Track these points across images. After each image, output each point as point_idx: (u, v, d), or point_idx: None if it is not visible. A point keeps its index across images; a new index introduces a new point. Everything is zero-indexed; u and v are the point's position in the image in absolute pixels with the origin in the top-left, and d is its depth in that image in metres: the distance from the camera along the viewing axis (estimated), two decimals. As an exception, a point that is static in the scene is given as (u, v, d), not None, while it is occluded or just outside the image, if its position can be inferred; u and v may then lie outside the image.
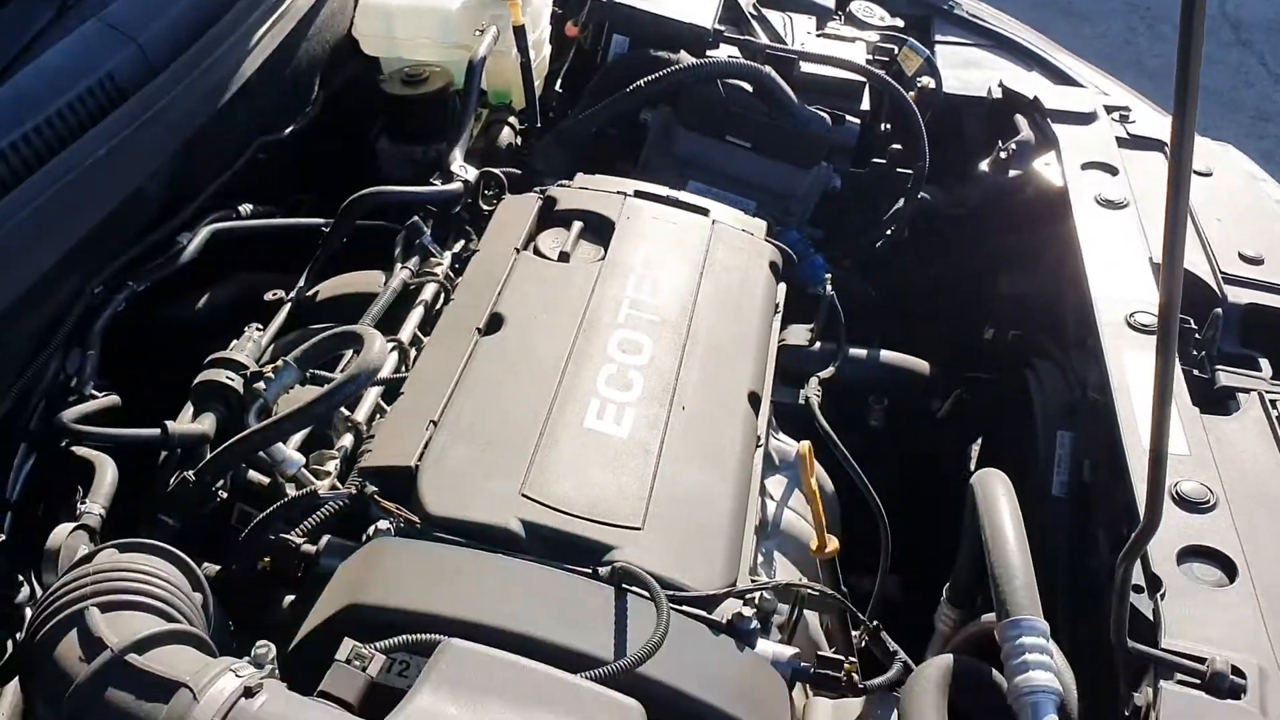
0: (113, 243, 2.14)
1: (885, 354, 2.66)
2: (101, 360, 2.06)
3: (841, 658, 1.68)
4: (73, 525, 1.73)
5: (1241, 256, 2.27)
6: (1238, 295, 2.18)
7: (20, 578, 1.79)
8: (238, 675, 1.30)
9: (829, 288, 2.54)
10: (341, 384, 1.77)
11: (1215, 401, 2.01)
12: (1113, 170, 2.56)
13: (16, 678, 1.61)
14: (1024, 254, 2.75)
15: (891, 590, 2.31)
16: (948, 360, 2.76)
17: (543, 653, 1.42)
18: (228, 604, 1.65)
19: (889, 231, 2.93)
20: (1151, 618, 1.59)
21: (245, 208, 2.50)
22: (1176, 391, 1.93)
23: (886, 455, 2.66)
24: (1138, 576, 1.62)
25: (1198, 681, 1.49)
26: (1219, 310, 2.11)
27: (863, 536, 2.18)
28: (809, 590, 1.81)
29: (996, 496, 1.73)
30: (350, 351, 2.03)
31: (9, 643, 1.73)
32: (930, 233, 3.01)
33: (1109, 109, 2.78)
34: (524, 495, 1.70)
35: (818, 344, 2.53)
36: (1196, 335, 2.11)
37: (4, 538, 1.75)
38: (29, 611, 1.72)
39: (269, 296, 2.33)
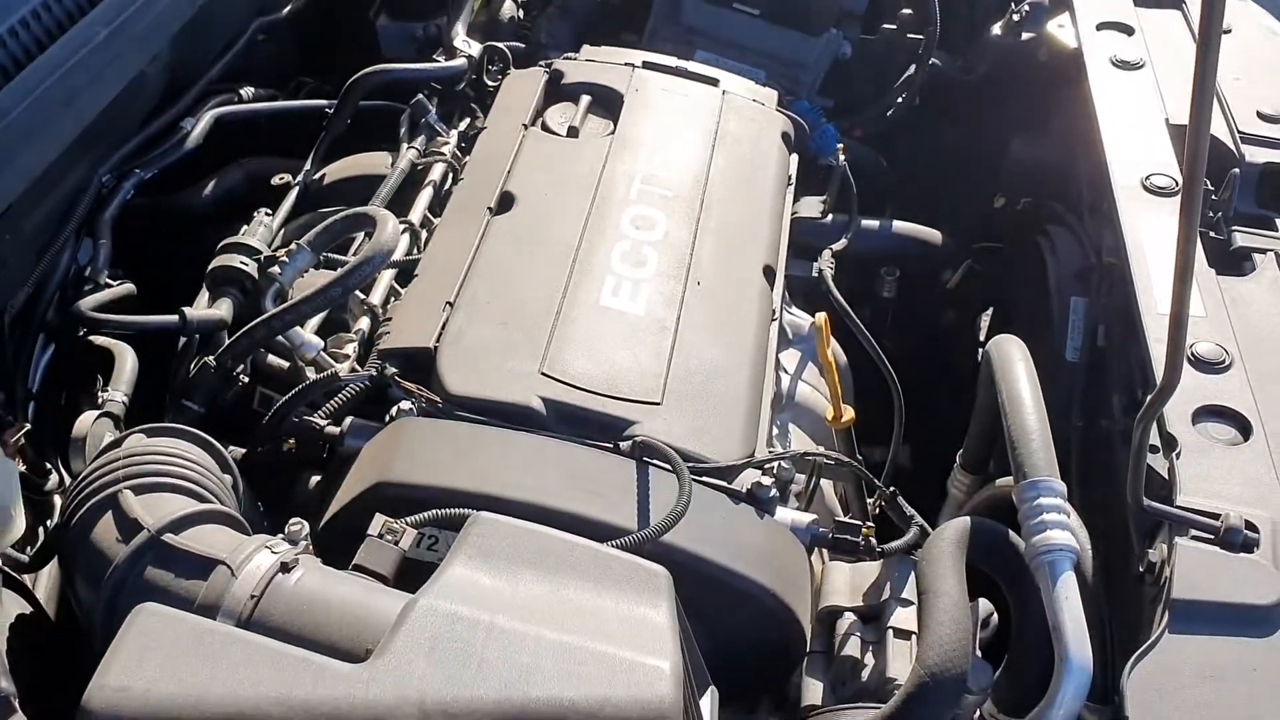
0: (118, 130, 2.12)
1: (897, 224, 2.64)
2: (113, 249, 2.06)
3: (859, 523, 1.70)
4: (97, 413, 1.74)
5: (1260, 115, 2.23)
6: (1255, 155, 2.15)
7: (48, 465, 1.81)
8: (273, 552, 1.32)
9: (841, 158, 2.51)
10: (357, 266, 1.76)
11: (1231, 262, 2.00)
12: (1128, 30, 2.51)
13: (52, 562, 1.65)
14: (1037, 119, 2.71)
15: (901, 460, 2.34)
16: (959, 229, 2.75)
17: (568, 525, 1.43)
18: (254, 485, 1.67)
19: (899, 100, 2.89)
20: (1166, 476, 1.61)
21: (246, 91, 2.48)
22: (1192, 253, 1.92)
23: (898, 325, 2.67)
24: (1153, 437, 1.63)
25: (1211, 537, 1.52)
26: (1236, 170, 2.09)
27: (873, 407, 2.20)
28: (826, 459, 1.84)
29: (1013, 361, 1.74)
30: (362, 234, 2.02)
31: (40, 529, 1.75)
32: (941, 100, 2.96)
33: (1125, -34, 2.71)
34: (543, 373, 1.71)
35: (830, 216, 2.51)
36: (1213, 196, 2.09)
37: (30, 426, 1.76)
38: (58, 499, 1.75)
39: (276, 181, 2.32)
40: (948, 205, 2.92)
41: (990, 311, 2.85)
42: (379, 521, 1.40)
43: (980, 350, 2.83)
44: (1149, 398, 1.43)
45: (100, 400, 1.79)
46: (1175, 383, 1.36)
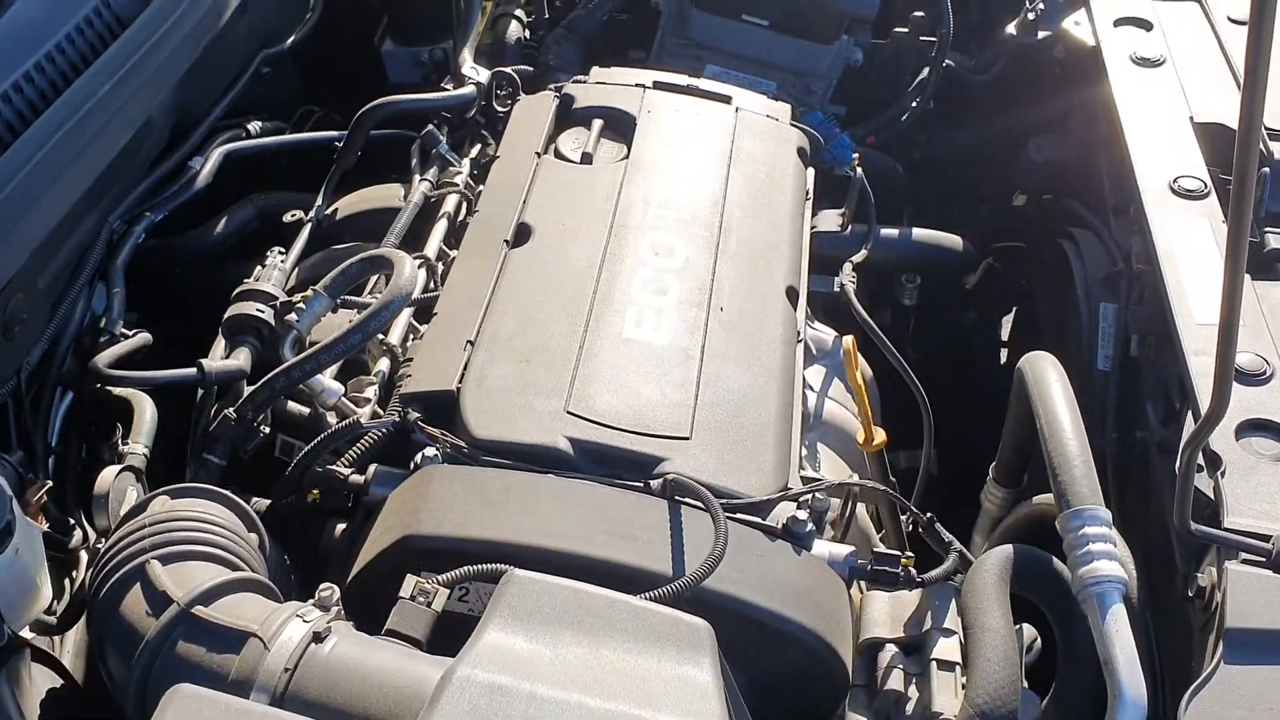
0: (127, 175, 2.10)
1: (917, 232, 2.60)
2: (126, 295, 2.04)
3: (897, 553, 1.67)
4: (119, 467, 1.72)
5: (1287, 111, 2.18)
6: (1284, 152, 2.10)
7: (70, 520, 1.79)
8: (305, 620, 1.30)
9: (858, 169, 2.47)
10: (376, 311, 1.74)
11: (1264, 266, 1.95)
12: (1147, 25, 2.46)
13: (79, 621, 1.62)
14: (1055, 119, 2.67)
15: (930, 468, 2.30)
16: (978, 230, 2.71)
17: (601, 572, 1.41)
18: (280, 538, 1.65)
19: (914, 104, 2.85)
20: (1212, 496, 1.57)
21: (254, 125, 2.45)
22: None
23: (920, 331, 2.64)
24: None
25: (1263, 560, 1.48)
26: (1266, 170, 2.04)
27: (898, 413, 2.16)
28: (860, 486, 1.80)
29: (1049, 381, 1.69)
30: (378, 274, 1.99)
31: (65, 582, 1.74)
32: (955, 102, 2.92)
33: (1141, -40, 2.66)
34: (569, 412, 1.68)
35: (849, 228, 2.47)
36: (1242, 197, 2.04)
37: (51, 484, 1.74)
38: (83, 554, 1.73)
39: (288, 218, 2.29)
40: (965, 207, 2.89)
41: (1013, 312, 2.82)
42: (410, 583, 1.37)
43: (1003, 350, 2.82)
44: (1196, 425, 1.39)
45: (120, 453, 1.77)
46: (1224, 409, 1.33)
